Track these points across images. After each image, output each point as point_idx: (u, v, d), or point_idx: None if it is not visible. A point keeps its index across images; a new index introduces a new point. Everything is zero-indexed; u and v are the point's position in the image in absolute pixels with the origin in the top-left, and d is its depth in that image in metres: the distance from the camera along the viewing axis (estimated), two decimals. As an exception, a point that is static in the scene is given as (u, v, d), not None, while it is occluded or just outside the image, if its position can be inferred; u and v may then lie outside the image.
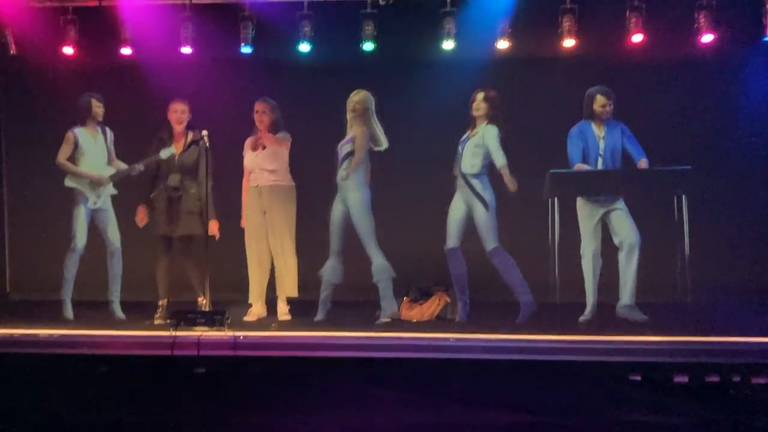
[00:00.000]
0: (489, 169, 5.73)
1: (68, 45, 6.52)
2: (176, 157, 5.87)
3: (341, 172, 5.82)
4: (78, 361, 4.95)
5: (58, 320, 5.80)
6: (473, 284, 5.91)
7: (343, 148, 5.85)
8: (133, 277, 6.16)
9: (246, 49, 6.50)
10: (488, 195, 5.70)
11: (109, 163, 6.04)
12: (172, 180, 5.84)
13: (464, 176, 5.74)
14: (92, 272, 6.04)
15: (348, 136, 5.84)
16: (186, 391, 4.80)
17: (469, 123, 5.83)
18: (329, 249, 5.88)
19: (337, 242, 5.86)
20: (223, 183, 6.07)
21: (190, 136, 5.85)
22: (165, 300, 5.95)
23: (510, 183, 5.56)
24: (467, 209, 5.78)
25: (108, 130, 6.06)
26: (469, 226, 5.79)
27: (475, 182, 5.71)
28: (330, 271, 5.86)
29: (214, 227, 5.88)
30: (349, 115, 5.85)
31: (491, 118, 5.71)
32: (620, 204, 5.70)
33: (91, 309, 6.04)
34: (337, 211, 5.86)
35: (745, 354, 4.77)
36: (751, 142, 6.61)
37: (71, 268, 5.93)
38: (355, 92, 5.86)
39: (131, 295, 6.18)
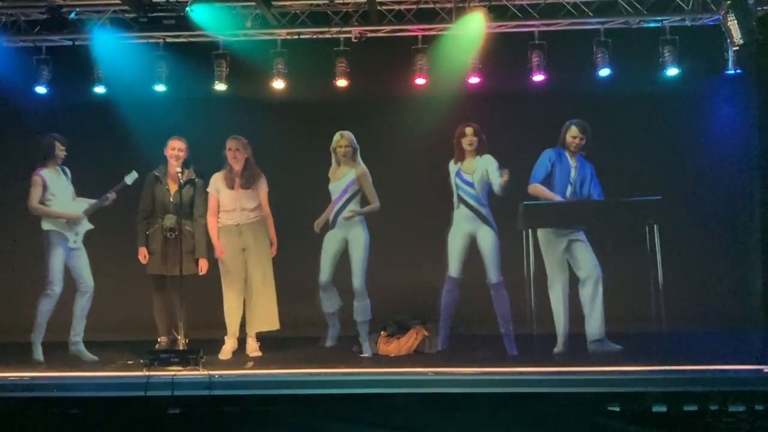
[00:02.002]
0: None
1: (41, 84, 6.50)
2: (172, 197, 5.83)
3: (345, 212, 5.83)
4: (50, 403, 4.83)
5: (28, 362, 5.64)
6: (455, 316, 5.88)
7: (341, 186, 5.86)
8: (106, 317, 6.04)
9: (220, 87, 6.52)
10: (494, 224, 5.78)
11: (73, 200, 5.93)
12: (168, 221, 5.77)
13: (472, 207, 5.76)
14: (61, 313, 5.90)
15: (347, 176, 5.86)
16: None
17: (448, 155, 5.89)
18: (319, 282, 5.90)
19: (329, 274, 5.91)
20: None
21: (186, 174, 5.81)
22: (165, 337, 5.84)
23: (506, 175, 5.61)
24: (470, 239, 5.80)
25: (66, 168, 5.96)
26: (470, 255, 5.80)
27: (485, 211, 5.77)
28: (328, 301, 5.92)
29: (203, 266, 5.86)
30: (339, 156, 5.89)
31: (484, 150, 5.81)
32: (581, 235, 5.71)
33: (61, 350, 5.88)
34: (334, 246, 5.90)
35: (722, 382, 4.83)
36: (719, 169, 6.73)
37: (45, 313, 5.74)
38: (338, 134, 5.91)
39: (103, 336, 6.06)
